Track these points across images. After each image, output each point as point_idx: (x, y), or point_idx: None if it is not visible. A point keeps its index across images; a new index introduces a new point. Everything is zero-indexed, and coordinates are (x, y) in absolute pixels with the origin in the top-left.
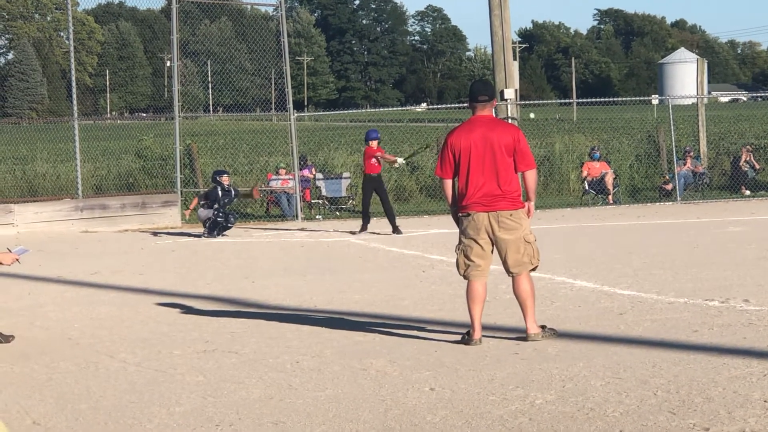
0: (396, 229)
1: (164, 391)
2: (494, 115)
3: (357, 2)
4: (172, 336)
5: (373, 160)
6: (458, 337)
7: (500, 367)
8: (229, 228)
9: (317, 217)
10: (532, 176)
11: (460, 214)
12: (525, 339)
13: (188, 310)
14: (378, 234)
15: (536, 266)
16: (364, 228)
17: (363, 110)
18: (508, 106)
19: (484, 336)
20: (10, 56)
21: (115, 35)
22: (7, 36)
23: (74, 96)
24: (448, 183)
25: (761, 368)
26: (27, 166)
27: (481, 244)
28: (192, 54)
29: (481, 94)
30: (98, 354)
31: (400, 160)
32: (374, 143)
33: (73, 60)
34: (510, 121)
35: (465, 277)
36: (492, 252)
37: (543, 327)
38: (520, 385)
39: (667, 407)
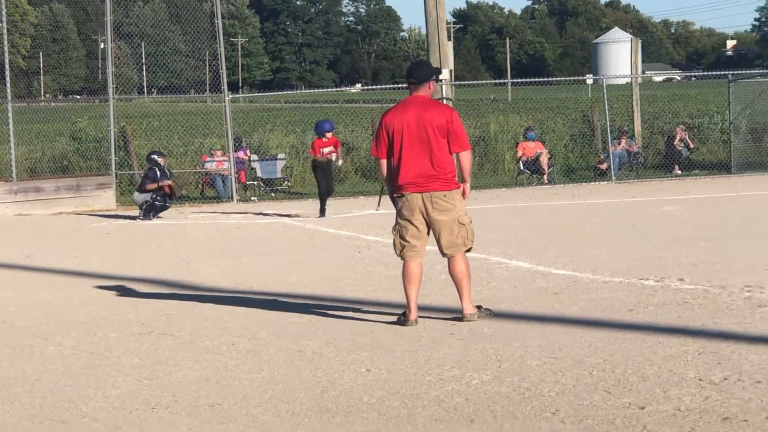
0: (323, 212)
1: (100, 374)
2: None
3: None
4: (108, 319)
5: (325, 151)
6: (394, 318)
7: (436, 348)
8: (167, 209)
9: (252, 198)
10: (466, 157)
11: (395, 195)
12: (461, 319)
13: (124, 292)
14: (303, 217)
15: (470, 247)
16: (322, 210)
17: (298, 91)
18: (443, 86)
19: (420, 317)
20: None
21: (49, 17)
22: None
23: (7, 79)
24: (384, 163)
25: (696, 347)
26: None
27: (416, 225)
28: (126, 36)
29: (412, 75)
30: (33, 337)
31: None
32: (329, 134)
33: (6, 42)
34: (445, 101)
35: (401, 257)
36: (428, 233)
37: (479, 307)
38: (456, 366)
39: (602, 386)
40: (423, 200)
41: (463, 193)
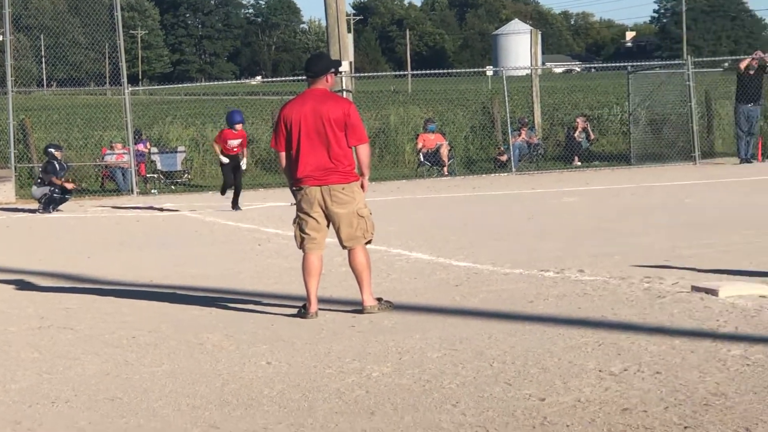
0: (236, 206)
1: None
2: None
3: None
4: (7, 313)
5: (233, 144)
6: (295, 311)
7: (336, 340)
8: (66, 201)
9: (153, 191)
10: (364, 150)
11: (294, 188)
12: (361, 311)
13: (23, 286)
14: (208, 210)
15: (370, 240)
16: (235, 203)
17: (198, 84)
18: (343, 78)
19: (320, 309)
20: None
21: None
22: None
23: None
24: (283, 155)
25: (596, 338)
26: None
27: (315, 218)
28: (24, 28)
29: (309, 68)
30: None
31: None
32: (239, 126)
33: None
34: (345, 93)
35: (301, 250)
36: (328, 225)
37: (379, 299)
38: (357, 358)
39: (503, 378)
40: (322, 193)
41: (362, 186)
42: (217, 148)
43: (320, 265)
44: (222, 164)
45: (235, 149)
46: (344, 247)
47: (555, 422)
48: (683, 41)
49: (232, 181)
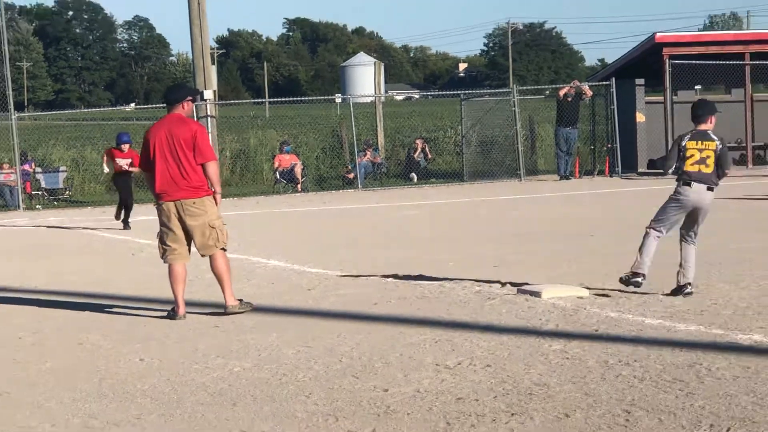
0: (127, 224)
1: None
2: (194, 113)
3: (71, 13)
4: None
5: (121, 163)
6: (165, 313)
7: (202, 339)
8: None
9: (37, 206)
10: (211, 168)
11: (155, 204)
12: (224, 313)
13: None
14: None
15: (225, 248)
16: (126, 222)
17: (78, 110)
18: (207, 105)
19: (188, 312)
20: None
21: None
22: None
23: None
24: (148, 174)
25: (433, 335)
26: None
27: (174, 230)
28: None
29: (166, 97)
30: None
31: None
32: (125, 147)
33: None
34: (209, 119)
35: (165, 261)
36: (187, 237)
37: (240, 300)
38: (221, 355)
39: (350, 372)
40: (176, 207)
41: (216, 200)
42: (106, 162)
43: (184, 272)
44: (114, 180)
45: (124, 168)
46: (202, 255)
47: (397, 410)
48: (510, 71)
49: (125, 199)
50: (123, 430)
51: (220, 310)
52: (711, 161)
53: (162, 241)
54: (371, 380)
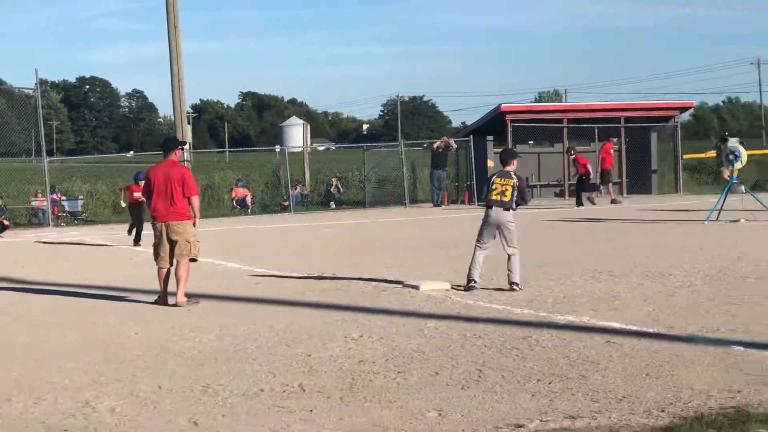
0: (138, 242)
1: None
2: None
3: (87, 87)
4: None
5: (137, 195)
6: (153, 301)
7: (179, 319)
8: (4, 231)
9: (62, 224)
10: (195, 200)
11: (151, 222)
12: (175, 305)
13: None
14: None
15: (195, 258)
16: (137, 240)
17: (92, 156)
18: (185, 153)
19: (171, 299)
20: None
21: None
22: None
23: None
24: (147, 201)
25: (343, 317)
26: None
27: (163, 243)
28: None
29: (163, 146)
30: None
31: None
32: (142, 183)
33: None
34: (186, 163)
35: (156, 264)
36: (172, 248)
37: (188, 297)
38: (192, 330)
39: (284, 342)
40: (164, 227)
41: (194, 223)
42: (123, 197)
43: (168, 274)
44: (129, 209)
45: (140, 199)
46: (176, 260)
47: (317, 369)
48: (399, 130)
49: (137, 224)
50: (123, 384)
51: (194, 300)
52: (509, 192)
53: (155, 250)
54: (299, 348)
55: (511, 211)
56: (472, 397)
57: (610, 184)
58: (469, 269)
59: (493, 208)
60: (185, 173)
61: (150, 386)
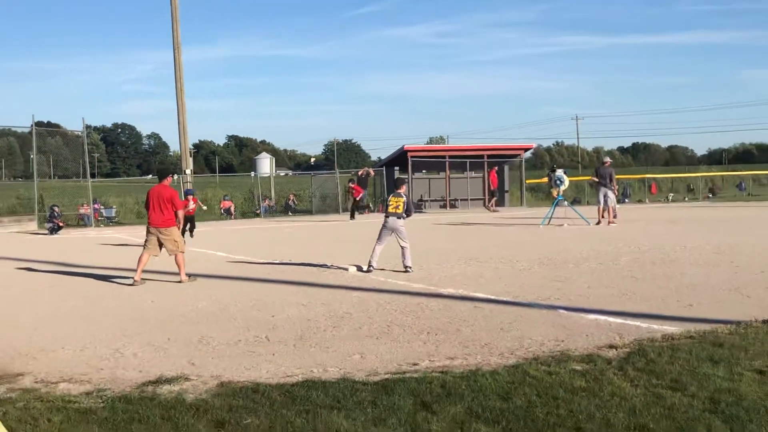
0: (190, 232)
1: None
2: (175, 181)
3: (119, 130)
4: (29, 278)
5: (191, 205)
6: (164, 280)
7: (182, 291)
8: (59, 230)
9: (101, 226)
10: (180, 213)
11: (147, 228)
12: (179, 282)
13: (45, 270)
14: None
15: (183, 251)
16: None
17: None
18: (189, 177)
19: (175, 282)
20: None
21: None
22: None
23: None
24: (148, 212)
25: (296, 289)
26: None
27: (153, 240)
28: (44, 152)
29: (158, 173)
30: None
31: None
32: (191, 197)
33: None
34: (189, 183)
35: (144, 250)
36: (160, 244)
37: (189, 276)
38: (191, 298)
39: (256, 307)
40: (157, 231)
41: (178, 226)
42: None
43: (148, 259)
44: (186, 218)
45: (190, 211)
46: (170, 255)
47: (278, 326)
48: (335, 162)
49: (191, 227)
50: (142, 337)
51: (200, 280)
52: (401, 207)
53: (146, 243)
54: (266, 311)
55: (402, 219)
56: (383, 344)
57: (494, 198)
58: (370, 258)
59: (390, 218)
60: (173, 194)
61: (161, 338)
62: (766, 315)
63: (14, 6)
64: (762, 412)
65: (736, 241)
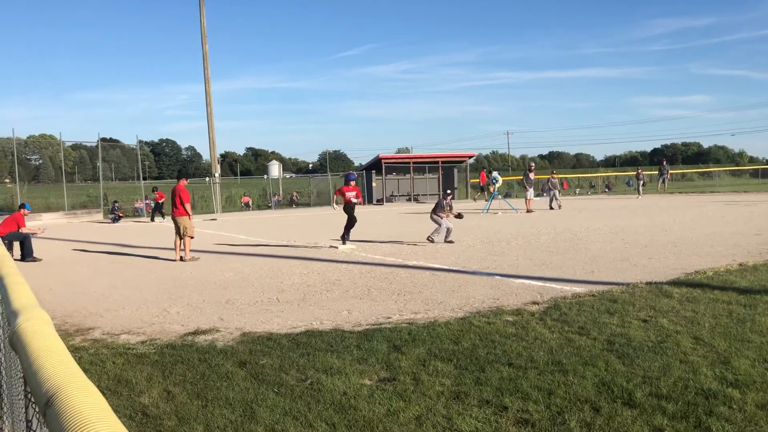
0: (345, 239)
1: None
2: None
3: (164, 144)
4: (96, 259)
5: (349, 196)
6: (192, 258)
7: (212, 265)
8: (119, 220)
9: (149, 215)
10: (188, 206)
11: (172, 216)
12: (181, 259)
13: (107, 252)
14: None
15: (193, 236)
16: (345, 235)
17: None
18: (217, 178)
19: (193, 258)
20: None
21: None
22: None
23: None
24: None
25: (298, 262)
26: None
27: (175, 227)
28: (107, 161)
29: (177, 176)
30: None
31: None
32: (353, 183)
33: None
34: (218, 184)
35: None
36: (180, 228)
37: (192, 254)
38: (220, 270)
39: (267, 275)
40: (175, 219)
41: (189, 217)
42: (335, 198)
43: (179, 241)
44: (344, 209)
45: (352, 199)
46: (182, 237)
47: (285, 290)
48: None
49: (350, 220)
50: (183, 299)
51: (208, 258)
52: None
53: (177, 231)
54: (276, 279)
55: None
56: (364, 303)
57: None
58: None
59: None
60: (184, 192)
61: (197, 300)
62: (648, 278)
63: (85, 49)
64: (645, 350)
65: (626, 224)
